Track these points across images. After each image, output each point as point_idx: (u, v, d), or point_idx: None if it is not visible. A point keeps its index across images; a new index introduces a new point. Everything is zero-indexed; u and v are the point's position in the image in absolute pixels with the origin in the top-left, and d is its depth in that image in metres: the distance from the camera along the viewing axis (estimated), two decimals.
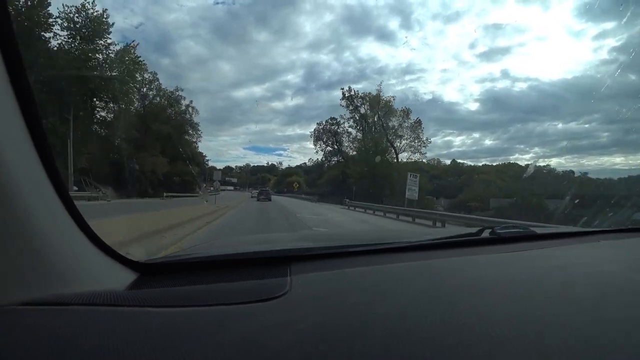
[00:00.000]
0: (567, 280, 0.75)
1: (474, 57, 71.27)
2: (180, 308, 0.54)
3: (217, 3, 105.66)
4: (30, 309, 0.48)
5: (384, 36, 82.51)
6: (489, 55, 72.51)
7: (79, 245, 0.59)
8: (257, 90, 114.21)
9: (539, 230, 1.27)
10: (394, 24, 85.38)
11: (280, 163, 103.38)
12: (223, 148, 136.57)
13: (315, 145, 45.70)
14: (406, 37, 79.78)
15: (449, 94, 75.39)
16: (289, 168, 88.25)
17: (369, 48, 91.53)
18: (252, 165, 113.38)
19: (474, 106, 68.54)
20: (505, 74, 72.02)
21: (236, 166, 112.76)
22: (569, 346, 0.45)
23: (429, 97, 65.59)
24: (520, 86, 64.12)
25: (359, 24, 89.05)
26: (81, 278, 0.57)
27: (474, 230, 1.14)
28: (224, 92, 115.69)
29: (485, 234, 1.10)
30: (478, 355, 0.42)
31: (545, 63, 73.81)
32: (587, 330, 0.50)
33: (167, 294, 0.62)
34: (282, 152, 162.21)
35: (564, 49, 58.70)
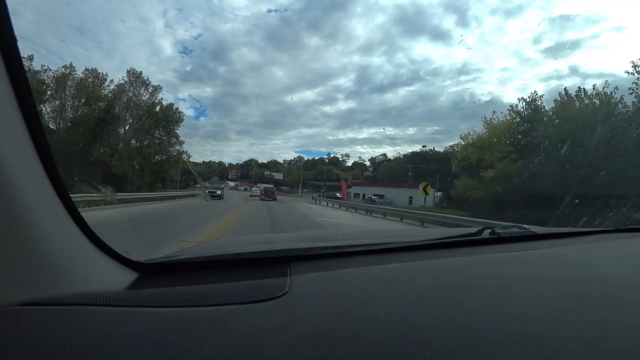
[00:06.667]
0: (567, 280, 0.75)
1: (537, 53, 64.54)
2: (180, 308, 0.54)
3: (270, 11, 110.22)
4: (30, 309, 0.48)
5: (439, 35, 79.50)
6: (555, 50, 62.14)
7: (78, 245, 0.59)
8: (309, 94, 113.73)
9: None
10: (449, 22, 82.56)
11: (347, 155, 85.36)
12: (275, 151, 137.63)
13: None
14: (462, 35, 75.58)
15: (510, 95, 69.14)
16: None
17: (423, 48, 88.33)
18: (306, 158, 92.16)
19: None
20: (574, 70, 60.55)
21: (284, 160, 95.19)
22: (570, 346, 0.45)
23: (486, 98, 59.66)
24: (592, 83, 55.10)
25: (412, 24, 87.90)
26: (81, 278, 0.57)
27: (474, 230, 1.14)
28: (277, 97, 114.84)
29: (485, 234, 1.10)
30: (479, 356, 0.42)
31: (624, 56, 58.13)
32: (588, 330, 0.50)
33: (167, 294, 0.62)
34: (332, 155, 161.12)
35: None
